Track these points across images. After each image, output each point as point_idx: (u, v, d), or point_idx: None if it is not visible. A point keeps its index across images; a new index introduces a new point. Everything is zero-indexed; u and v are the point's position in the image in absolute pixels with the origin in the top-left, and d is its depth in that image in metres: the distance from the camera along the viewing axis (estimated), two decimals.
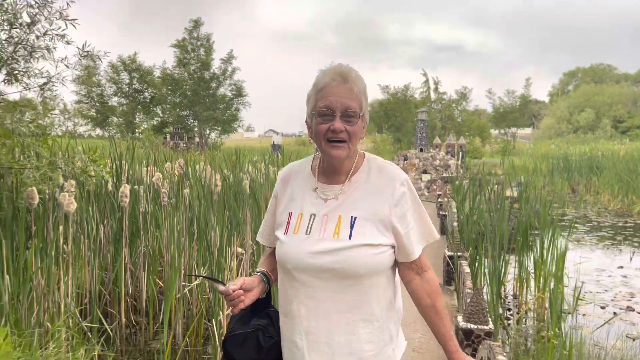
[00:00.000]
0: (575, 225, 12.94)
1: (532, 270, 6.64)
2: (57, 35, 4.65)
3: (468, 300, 4.06)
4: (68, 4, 4.63)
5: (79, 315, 4.56)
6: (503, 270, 6.24)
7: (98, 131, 36.67)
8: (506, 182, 9.37)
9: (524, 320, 6.04)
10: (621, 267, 8.81)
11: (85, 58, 4.78)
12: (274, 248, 1.65)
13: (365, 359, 1.50)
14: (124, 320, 5.39)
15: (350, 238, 1.46)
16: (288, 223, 1.57)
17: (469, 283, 4.51)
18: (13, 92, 5.37)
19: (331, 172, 1.57)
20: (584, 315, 6.45)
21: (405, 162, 16.34)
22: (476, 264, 6.15)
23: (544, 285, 5.49)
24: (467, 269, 4.84)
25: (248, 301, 1.54)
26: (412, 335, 4.65)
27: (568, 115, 49.80)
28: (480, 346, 3.54)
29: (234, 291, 1.49)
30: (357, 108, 1.48)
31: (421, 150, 18.18)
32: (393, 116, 37.43)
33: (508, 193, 10.11)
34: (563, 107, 50.29)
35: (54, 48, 4.77)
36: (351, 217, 1.49)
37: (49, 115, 5.76)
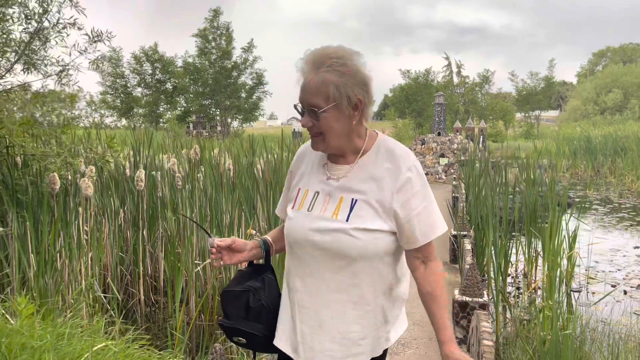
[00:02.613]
0: (594, 206, 12.82)
1: (541, 251, 6.71)
2: (68, 23, 4.88)
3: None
4: None
5: (99, 289, 4.86)
6: (512, 250, 6.34)
7: (124, 122, 37.49)
8: (527, 165, 9.37)
9: (533, 298, 6.14)
10: (637, 247, 8.77)
11: (95, 42, 5.00)
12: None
13: (352, 339, 1.50)
14: (143, 298, 5.70)
15: (347, 220, 1.45)
16: (296, 199, 1.58)
17: (468, 259, 4.64)
18: (34, 81, 5.67)
19: (341, 153, 1.55)
20: (593, 293, 6.51)
21: (423, 146, 16.33)
22: (482, 244, 6.26)
23: (551, 265, 5.57)
24: (468, 247, 4.97)
25: (235, 260, 1.60)
26: (410, 310, 4.82)
27: (595, 97, 48.48)
28: (472, 317, 3.70)
29: (217, 247, 1.56)
30: (321, 101, 1.42)
31: (439, 134, 18.12)
32: (414, 101, 37.17)
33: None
34: (590, 88, 48.92)
35: (67, 35, 4.99)
36: (352, 199, 1.47)
37: (75, 106, 6.07)
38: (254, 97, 36.38)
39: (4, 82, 5.28)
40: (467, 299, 3.96)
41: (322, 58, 1.43)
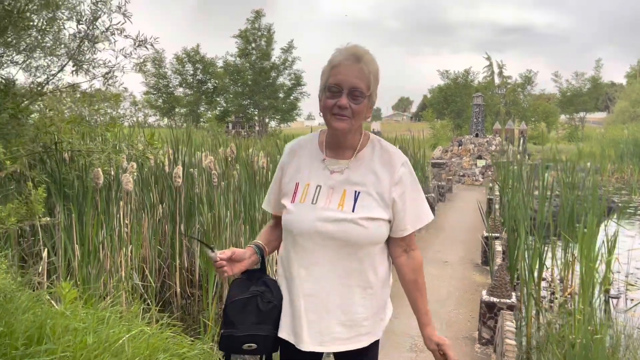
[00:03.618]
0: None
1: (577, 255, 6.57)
2: (116, 29, 5.16)
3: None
4: (125, 1, 5.12)
5: (137, 279, 5.09)
6: (548, 254, 6.23)
7: (166, 121, 38.51)
8: (566, 168, 9.15)
9: (563, 301, 6.02)
10: None
11: (139, 47, 5.25)
12: (277, 219, 1.76)
13: (357, 321, 1.61)
14: (179, 290, 5.93)
15: (353, 211, 1.57)
16: (295, 193, 1.66)
17: (498, 261, 4.62)
18: (82, 82, 5.98)
19: (336, 146, 1.66)
20: (632, 300, 6.33)
21: (460, 147, 16.13)
22: (516, 246, 6.19)
23: (585, 269, 5.46)
24: (499, 248, 4.93)
25: (236, 270, 1.65)
26: (440, 310, 4.83)
27: None
28: (499, 317, 3.70)
29: (220, 259, 1.60)
30: (364, 88, 1.56)
31: (477, 135, 17.84)
32: (453, 102, 36.63)
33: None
34: (639, 89, 46.90)
35: (115, 41, 5.29)
36: (355, 191, 1.60)
37: (120, 105, 6.37)
38: (292, 97, 36.71)
39: (57, 81, 5.59)
40: (495, 299, 3.96)
41: (360, 53, 1.58)
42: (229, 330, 1.62)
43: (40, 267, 4.17)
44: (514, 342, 3.01)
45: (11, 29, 4.70)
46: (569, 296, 6.28)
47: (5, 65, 5.29)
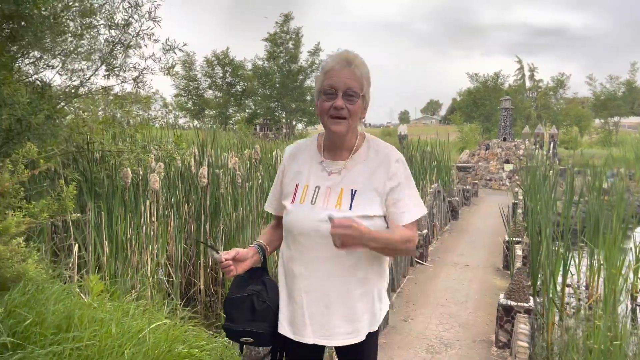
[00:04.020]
0: None
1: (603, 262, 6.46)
2: (146, 34, 5.37)
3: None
4: (155, 7, 5.32)
5: (162, 274, 5.26)
6: (573, 261, 6.15)
7: (196, 123, 39.16)
8: (594, 173, 8.97)
9: (578, 307, 5.93)
10: None
11: (168, 52, 5.45)
12: (279, 220, 1.83)
13: (355, 315, 1.68)
14: (203, 287, 6.09)
15: (350, 209, 1.65)
16: (295, 194, 1.74)
17: (518, 264, 4.60)
18: (114, 85, 6.21)
19: (334, 147, 1.74)
20: None
21: (487, 151, 15.94)
22: (540, 251, 6.13)
23: (609, 276, 5.37)
24: (519, 252, 4.91)
25: (240, 270, 1.72)
26: (459, 313, 4.84)
27: None
28: (516, 320, 3.70)
29: (226, 260, 1.68)
30: (358, 88, 1.64)
31: (504, 139, 17.59)
32: (482, 105, 36.13)
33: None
34: None
35: (145, 45, 5.50)
36: (351, 190, 1.67)
37: (150, 107, 6.59)
38: None
39: (90, 84, 5.82)
40: (512, 303, 3.96)
41: (350, 57, 1.67)
42: (228, 323, 1.74)
43: (71, 262, 4.36)
44: (526, 344, 3.02)
45: (48, 34, 4.93)
46: (594, 303, 6.18)
47: (42, 69, 5.54)
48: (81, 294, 3.70)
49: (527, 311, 3.88)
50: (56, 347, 2.50)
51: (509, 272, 5.96)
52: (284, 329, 1.73)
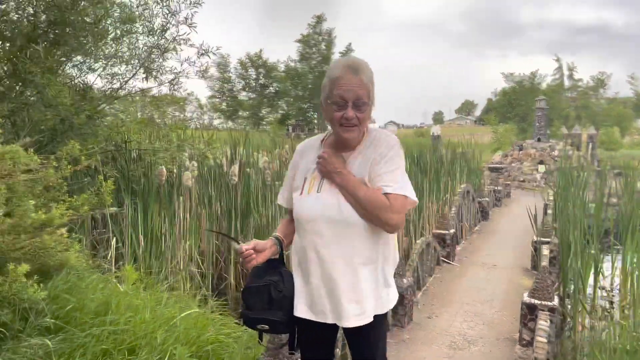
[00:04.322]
0: None
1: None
2: (182, 39, 5.61)
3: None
4: (192, 14, 5.55)
5: (194, 267, 5.48)
6: (606, 263, 6.05)
7: (230, 124, 39.86)
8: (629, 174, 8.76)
9: (627, 313, 5.82)
10: None
11: (202, 56, 5.68)
12: (292, 213, 1.91)
13: (362, 297, 1.76)
14: (233, 282, 6.28)
15: None
16: (302, 187, 1.86)
17: (544, 264, 4.59)
18: (152, 87, 6.49)
19: (341, 147, 1.84)
20: None
21: (521, 152, 15.67)
22: (571, 252, 6.06)
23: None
24: (546, 252, 4.89)
25: (260, 260, 1.81)
26: (485, 311, 4.85)
27: None
28: (537, 317, 3.72)
29: (246, 250, 1.77)
30: (366, 97, 1.74)
31: (539, 139, 17.25)
32: (518, 105, 35.45)
33: None
34: None
35: (181, 50, 5.74)
36: None
37: (186, 108, 6.85)
38: None
39: (129, 87, 6.11)
40: (536, 301, 3.97)
41: (357, 64, 1.76)
42: (245, 311, 1.85)
43: (109, 254, 4.61)
44: (545, 340, 3.04)
45: (90, 40, 5.20)
46: (628, 305, 6.06)
47: (84, 72, 5.85)
48: (118, 285, 3.93)
49: (551, 310, 3.89)
50: (95, 329, 2.69)
51: (536, 272, 5.92)
52: (303, 312, 1.83)
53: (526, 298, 4.04)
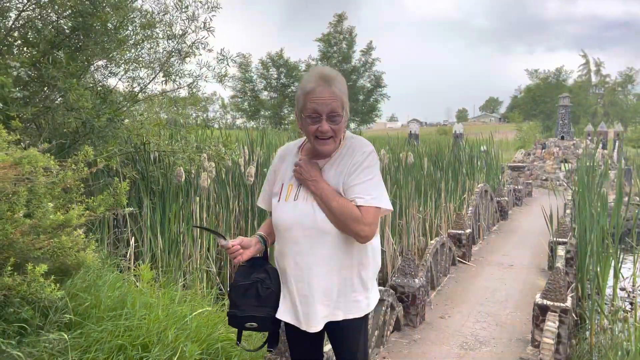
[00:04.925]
0: None
1: None
2: (201, 43, 5.72)
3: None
4: (210, 19, 5.66)
5: (211, 267, 5.60)
6: (626, 264, 5.96)
7: (252, 123, 40.16)
8: None
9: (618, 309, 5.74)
10: None
11: (221, 62, 5.80)
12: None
13: (334, 301, 1.81)
14: None
15: None
16: (280, 193, 1.89)
17: (559, 265, 4.56)
18: (171, 91, 6.63)
19: (317, 153, 1.87)
20: None
21: (544, 150, 15.43)
22: (587, 254, 5.99)
23: None
24: (561, 253, 4.85)
25: (245, 256, 1.86)
26: (498, 312, 4.84)
27: None
28: (547, 318, 3.71)
29: (232, 246, 1.83)
30: (340, 109, 1.77)
31: (562, 137, 16.94)
32: (542, 102, 34.83)
33: None
34: None
35: (200, 54, 5.86)
36: None
37: (208, 108, 6.97)
38: (372, 99, 36.81)
39: (149, 90, 6.26)
40: (548, 302, 3.95)
41: (330, 76, 1.78)
42: (233, 310, 1.89)
43: (128, 253, 4.75)
44: (551, 341, 3.04)
45: (112, 45, 5.35)
46: None
47: (106, 76, 6.02)
48: (136, 283, 4.06)
49: (564, 311, 3.87)
50: (110, 325, 2.81)
51: None
52: (286, 316, 1.86)
53: (538, 299, 4.02)
